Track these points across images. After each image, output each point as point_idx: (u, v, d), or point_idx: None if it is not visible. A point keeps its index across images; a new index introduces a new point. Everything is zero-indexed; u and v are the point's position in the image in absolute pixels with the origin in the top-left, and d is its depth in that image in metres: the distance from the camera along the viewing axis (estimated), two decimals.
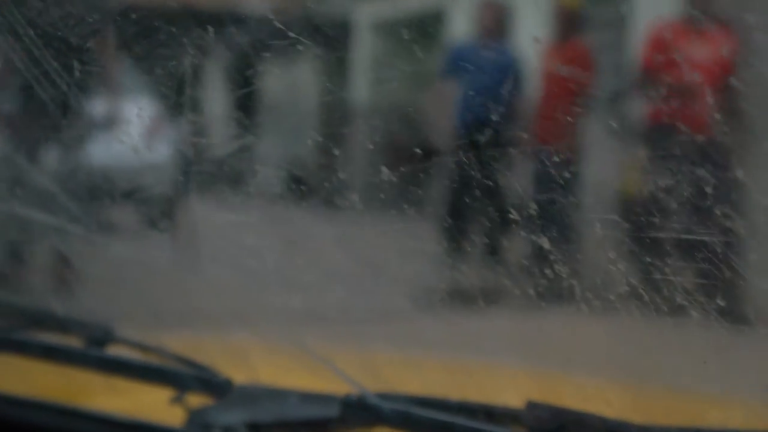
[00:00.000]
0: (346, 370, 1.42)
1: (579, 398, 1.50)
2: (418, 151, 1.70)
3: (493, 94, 2.05)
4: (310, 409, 1.40)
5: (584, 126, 5.18)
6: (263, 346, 1.71)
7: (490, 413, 1.34)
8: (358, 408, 1.36)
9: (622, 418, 1.25)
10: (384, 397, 1.36)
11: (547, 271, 1.51)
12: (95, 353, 1.44)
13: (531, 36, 6.45)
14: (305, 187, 1.50)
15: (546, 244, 1.51)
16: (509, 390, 1.67)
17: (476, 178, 1.50)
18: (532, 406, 1.27)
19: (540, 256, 1.52)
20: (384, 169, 1.51)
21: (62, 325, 1.51)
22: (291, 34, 1.49)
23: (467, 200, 1.66)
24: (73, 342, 1.48)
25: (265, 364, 1.55)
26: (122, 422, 1.30)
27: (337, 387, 1.41)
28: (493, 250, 3.50)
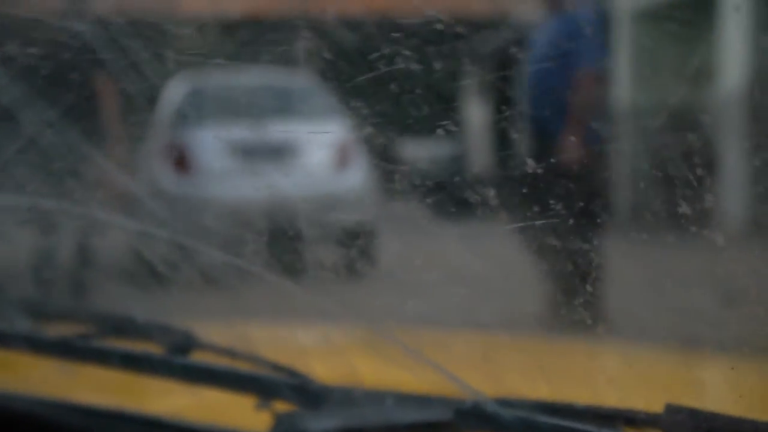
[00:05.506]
0: (462, 376, 1.26)
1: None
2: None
3: None
4: (418, 414, 1.25)
5: None
6: (366, 347, 1.56)
7: (625, 418, 1.17)
8: (473, 414, 1.20)
9: None
10: (504, 402, 1.21)
11: None
12: (178, 361, 1.32)
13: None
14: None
15: None
16: (655, 396, 1.50)
17: None
18: (671, 409, 1.12)
19: None
20: None
21: (143, 332, 1.40)
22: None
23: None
24: (154, 349, 1.36)
25: (367, 367, 1.40)
26: (202, 430, 1.16)
27: (451, 394, 1.25)
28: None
